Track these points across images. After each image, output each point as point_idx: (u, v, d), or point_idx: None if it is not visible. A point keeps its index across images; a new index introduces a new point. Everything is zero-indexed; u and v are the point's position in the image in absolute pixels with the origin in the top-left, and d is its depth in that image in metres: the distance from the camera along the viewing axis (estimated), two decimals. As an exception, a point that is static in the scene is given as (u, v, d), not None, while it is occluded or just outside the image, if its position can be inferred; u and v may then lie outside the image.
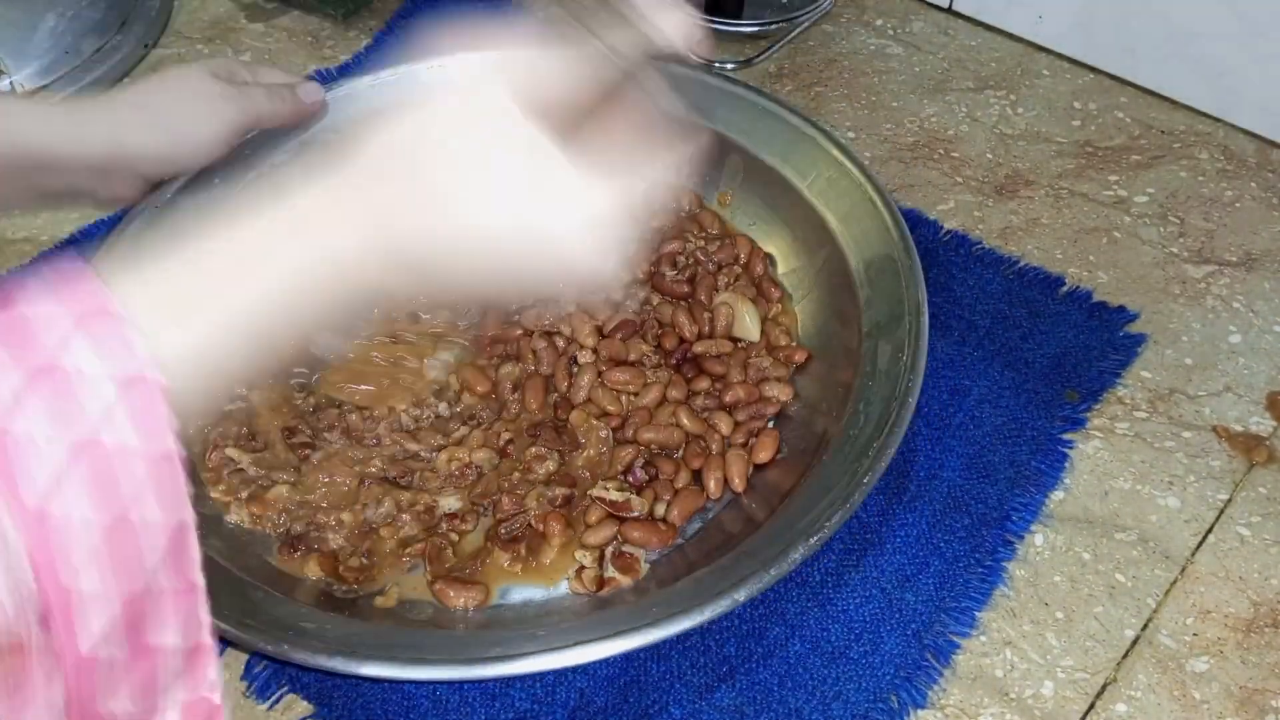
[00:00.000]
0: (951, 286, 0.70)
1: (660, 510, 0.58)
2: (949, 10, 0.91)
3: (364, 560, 0.56)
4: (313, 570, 0.56)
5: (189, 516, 0.32)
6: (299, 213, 0.36)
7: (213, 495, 0.58)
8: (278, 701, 0.54)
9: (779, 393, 0.62)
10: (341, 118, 0.69)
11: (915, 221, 0.74)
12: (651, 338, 0.65)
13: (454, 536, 0.57)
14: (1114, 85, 0.85)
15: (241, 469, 0.58)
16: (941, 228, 0.74)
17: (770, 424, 0.62)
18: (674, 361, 0.64)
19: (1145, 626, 0.56)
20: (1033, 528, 0.60)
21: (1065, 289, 0.70)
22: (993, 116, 0.83)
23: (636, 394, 0.62)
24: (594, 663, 0.55)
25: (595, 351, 0.63)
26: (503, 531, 0.57)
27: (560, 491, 0.58)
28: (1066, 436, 0.63)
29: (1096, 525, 0.60)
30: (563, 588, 0.56)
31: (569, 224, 0.37)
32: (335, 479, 0.58)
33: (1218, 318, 0.70)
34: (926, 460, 0.62)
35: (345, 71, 0.85)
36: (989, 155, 0.80)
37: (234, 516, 0.57)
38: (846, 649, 0.55)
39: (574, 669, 0.55)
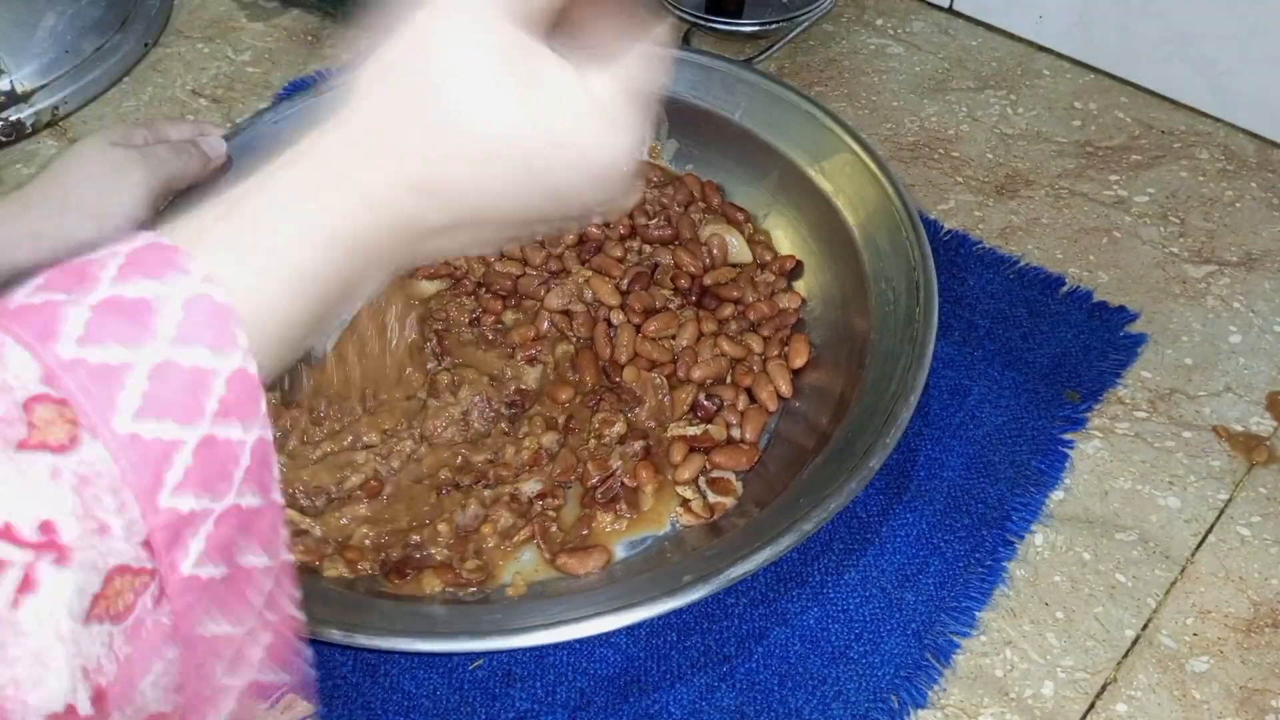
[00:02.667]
0: (951, 286, 0.70)
1: (735, 434, 0.62)
2: (949, 10, 0.91)
3: (478, 560, 0.57)
4: (432, 584, 0.55)
5: (268, 433, 0.32)
6: (326, 159, 0.35)
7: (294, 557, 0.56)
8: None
9: (790, 301, 0.67)
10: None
11: (915, 221, 0.74)
12: (668, 281, 0.68)
13: (551, 514, 0.59)
14: (1114, 85, 0.85)
15: (305, 531, 0.57)
16: (942, 227, 0.74)
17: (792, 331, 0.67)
18: (693, 299, 0.67)
19: (1145, 626, 0.56)
20: (1033, 527, 0.60)
21: (1065, 289, 0.70)
22: (993, 116, 0.83)
23: (674, 336, 0.65)
24: (594, 663, 0.55)
25: (624, 309, 0.66)
26: (599, 496, 0.59)
27: (638, 445, 0.60)
28: (1067, 436, 0.63)
29: (1097, 525, 0.60)
30: (667, 527, 0.59)
31: (577, 114, 0.37)
32: (415, 502, 0.58)
33: (1218, 318, 0.70)
34: (927, 460, 0.62)
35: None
36: (989, 155, 0.80)
37: (332, 571, 0.56)
38: (846, 649, 0.55)
39: (575, 669, 0.55)
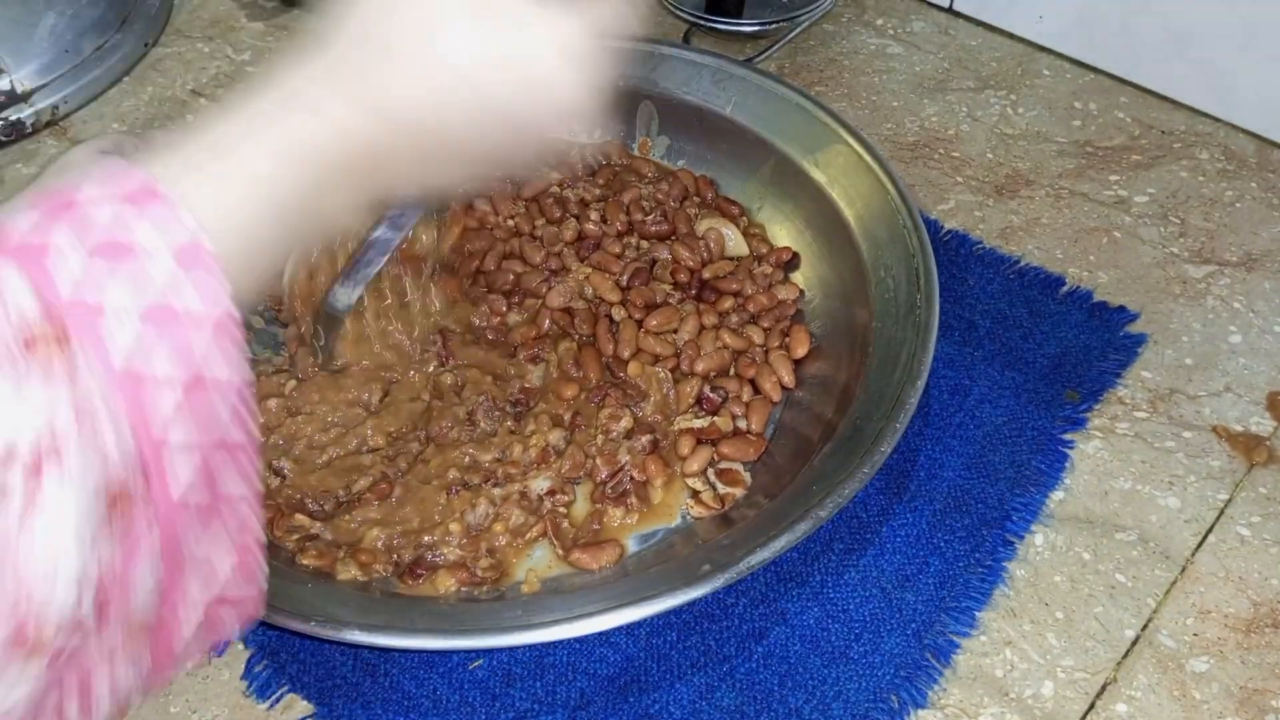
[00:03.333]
0: (952, 286, 0.70)
1: (741, 425, 0.62)
2: (949, 10, 0.91)
3: (492, 559, 0.57)
4: (445, 583, 0.55)
5: (249, 375, 0.34)
6: (294, 88, 0.37)
7: (305, 562, 0.56)
8: (278, 701, 0.54)
9: (788, 293, 0.68)
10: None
11: (915, 221, 0.74)
12: (667, 276, 0.68)
13: (562, 510, 0.59)
14: (1114, 85, 0.85)
15: (315, 535, 0.57)
16: (942, 227, 0.74)
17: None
18: (693, 293, 0.68)
19: (1145, 626, 0.56)
20: (1033, 527, 0.60)
21: (1065, 289, 0.70)
22: (993, 116, 0.83)
23: (676, 330, 0.65)
24: (594, 663, 0.55)
25: (624, 304, 0.66)
26: (609, 491, 0.59)
27: (645, 440, 0.61)
28: (1067, 436, 0.63)
29: (1096, 525, 0.60)
30: (678, 519, 0.60)
31: (538, 49, 0.39)
32: (425, 504, 0.58)
33: (1218, 318, 0.70)
34: (927, 460, 0.62)
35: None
36: (989, 155, 0.80)
37: (345, 574, 0.56)
38: (846, 649, 0.55)
39: (574, 669, 0.55)
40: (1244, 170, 0.78)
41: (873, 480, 0.61)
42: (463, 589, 0.56)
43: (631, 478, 0.60)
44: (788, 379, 0.64)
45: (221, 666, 0.55)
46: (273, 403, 0.61)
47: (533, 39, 0.38)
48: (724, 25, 0.86)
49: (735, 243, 0.70)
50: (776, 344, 0.66)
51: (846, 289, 0.66)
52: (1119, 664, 0.55)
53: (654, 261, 0.69)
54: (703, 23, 0.86)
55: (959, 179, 0.78)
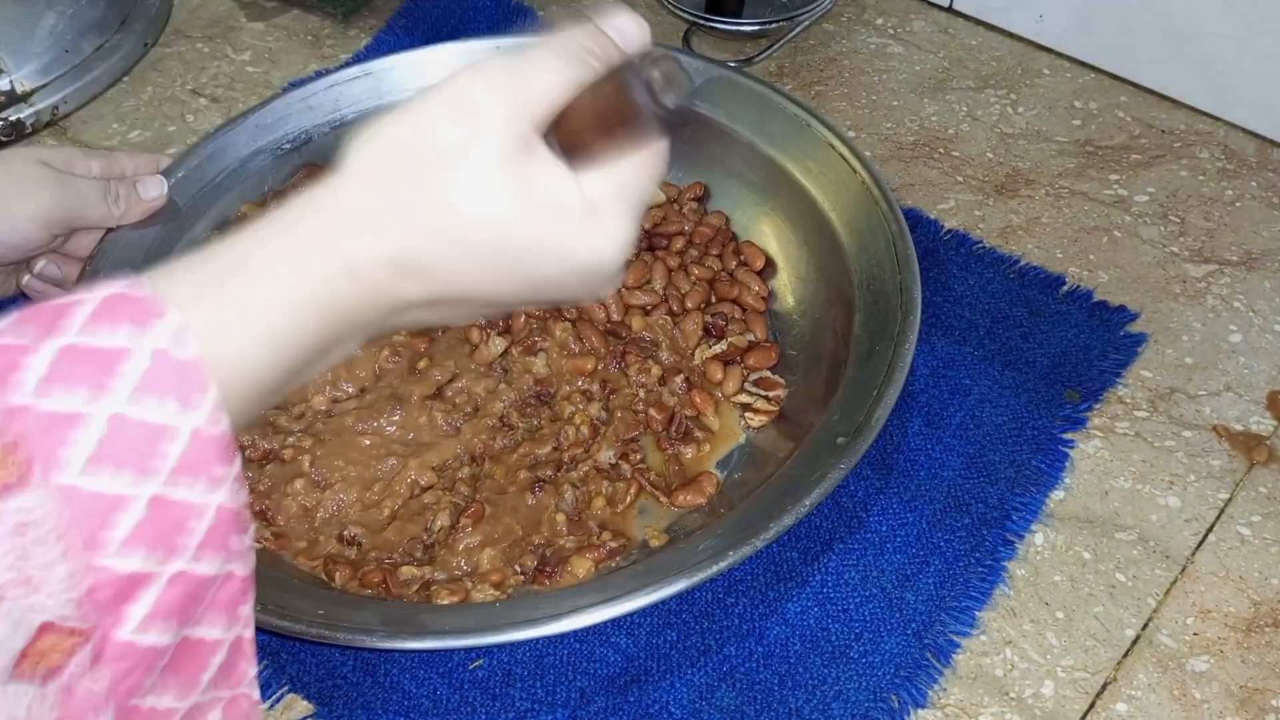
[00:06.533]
0: (951, 286, 0.70)
1: (749, 339, 0.67)
2: (949, 9, 0.91)
3: (611, 531, 0.58)
4: (583, 568, 0.56)
5: (238, 498, 0.31)
6: (308, 225, 0.35)
7: (441, 601, 0.55)
8: (278, 701, 0.54)
9: (717, 220, 0.72)
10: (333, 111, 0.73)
11: (915, 221, 0.74)
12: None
13: (641, 466, 0.61)
14: (1114, 84, 0.85)
15: (429, 580, 0.57)
16: (942, 227, 0.74)
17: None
18: (645, 245, 0.71)
19: (1145, 626, 0.56)
20: (1033, 527, 0.60)
21: (1066, 288, 0.70)
22: (993, 116, 0.83)
23: (649, 281, 0.68)
24: (594, 663, 0.55)
25: None
26: (673, 435, 0.63)
27: (679, 379, 0.64)
28: (1067, 436, 0.63)
29: (1097, 525, 0.60)
30: (742, 437, 0.63)
31: (566, 214, 0.37)
32: (517, 510, 0.59)
33: (1218, 317, 0.70)
34: (927, 459, 0.62)
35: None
36: (989, 154, 0.80)
37: (481, 596, 0.56)
38: (846, 649, 0.55)
39: (574, 669, 0.55)
40: (1244, 169, 0.78)
41: (873, 480, 0.61)
42: (599, 566, 0.57)
43: (685, 417, 0.63)
44: (761, 289, 0.69)
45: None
46: (299, 483, 0.59)
47: (563, 203, 0.37)
48: (724, 25, 0.86)
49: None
50: (735, 264, 0.70)
51: (822, 265, 0.67)
52: (1119, 663, 0.55)
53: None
54: (702, 22, 0.86)
55: (959, 178, 0.78)
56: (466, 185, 0.35)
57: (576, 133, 0.38)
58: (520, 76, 0.36)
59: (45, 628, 0.27)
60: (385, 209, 0.35)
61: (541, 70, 0.37)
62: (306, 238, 0.35)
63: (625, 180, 0.38)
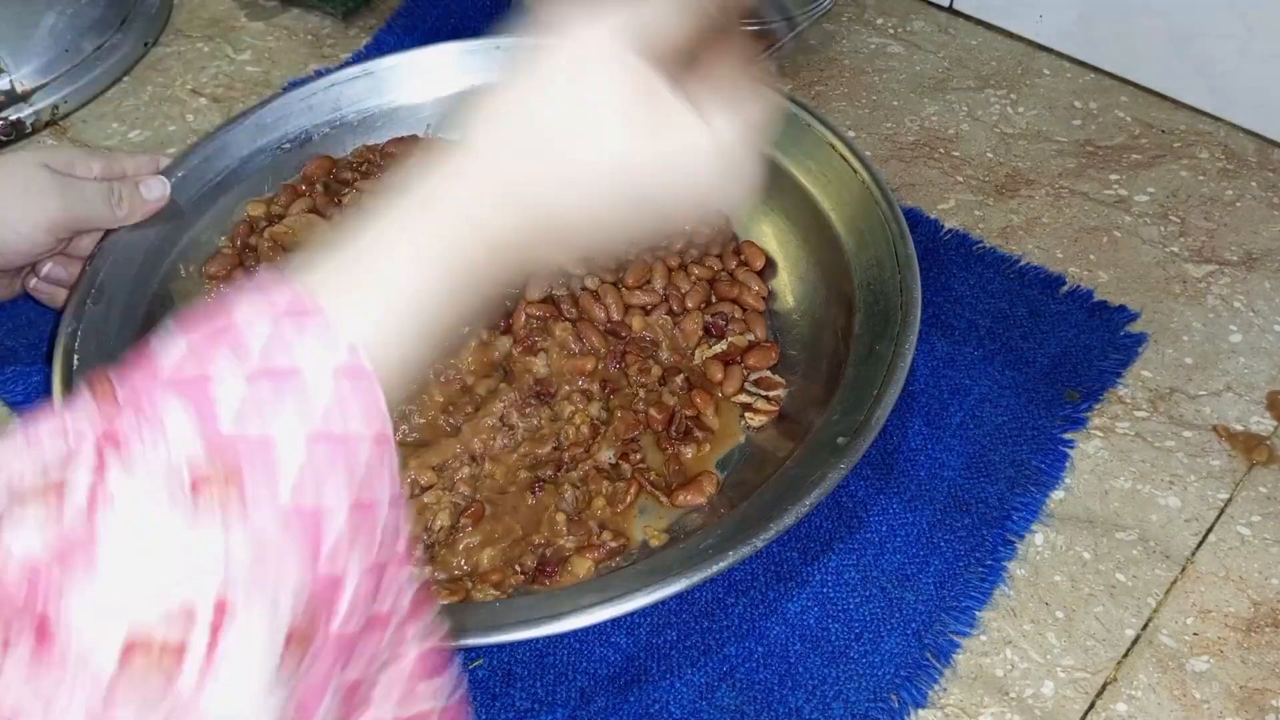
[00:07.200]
0: (952, 285, 0.70)
1: (750, 338, 0.67)
2: (950, 9, 0.91)
3: (608, 530, 0.58)
4: (582, 567, 0.56)
5: (399, 489, 0.33)
6: (437, 189, 0.36)
7: (442, 601, 0.56)
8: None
9: (718, 219, 0.72)
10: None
11: (915, 220, 0.74)
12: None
13: (641, 466, 0.61)
14: (1114, 85, 0.85)
15: (431, 579, 0.57)
16: (942, 227, 0.74)
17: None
18: (645, 246, 0.70)
19: (1145, 626, 0.56)
20: (1033, 527, 0.60)
21: (1066, 288, 0.70)
22: (993, 116, 0.83)
23: (649, 281, 0.68)
24: (594, 662, 0.55)
25: (595, 275, 0.69)
26: (673, 434, 0.62)
27: (679, 379, 0.65)
28: (1067, 436, 0.63)
29: (1097, 525, 0.60)
30: (742, 437, 0.63)
31: (699, 156, 0.38)
32: (518, 510, 0.59)
33: (1218, 317, 0.70)
34: (927, 460, 0.62)
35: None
36: (989, 154, 0.80)
37: (482, 596, 0.56)
38: (846, 649, 0.55)
39: (575, 669, 0.55)
40: (1244, 169, 0.78)
41: (873, 480, 0.61)
42: (599, 566, 0.57)
43: (685, 416, 0.63)
44: (761, 289, 0.69)
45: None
46: None
47: (695, 145, 0.37)
48: (724, 25, 0.86)
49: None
50: (734, 264, 0.70)
51: (824, 268, 0.68)
52: (1119, 663, 0.55)
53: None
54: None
55: (959, 178, 0.78)
56: (596, 135, 0.36)
57: (698, 65, 0.39)
58: (639, 21, 0.37)
59: (289, 637, 0.29)
60: (516, 177, 0.36)
61: (660, 14, 0.37)
62: (445, 221, 0.36)
63: (750, 118, 0.39)
